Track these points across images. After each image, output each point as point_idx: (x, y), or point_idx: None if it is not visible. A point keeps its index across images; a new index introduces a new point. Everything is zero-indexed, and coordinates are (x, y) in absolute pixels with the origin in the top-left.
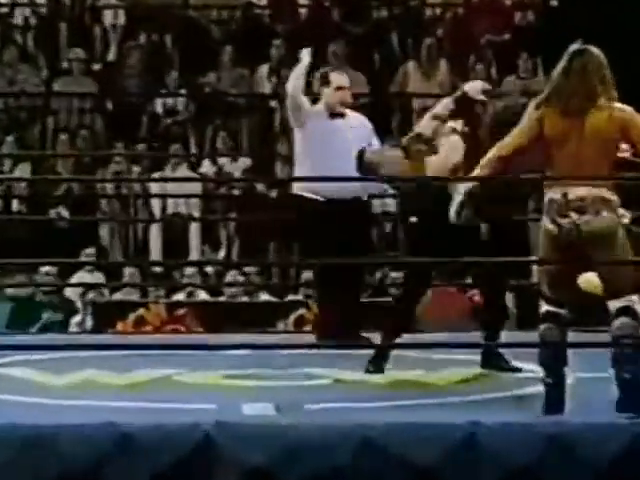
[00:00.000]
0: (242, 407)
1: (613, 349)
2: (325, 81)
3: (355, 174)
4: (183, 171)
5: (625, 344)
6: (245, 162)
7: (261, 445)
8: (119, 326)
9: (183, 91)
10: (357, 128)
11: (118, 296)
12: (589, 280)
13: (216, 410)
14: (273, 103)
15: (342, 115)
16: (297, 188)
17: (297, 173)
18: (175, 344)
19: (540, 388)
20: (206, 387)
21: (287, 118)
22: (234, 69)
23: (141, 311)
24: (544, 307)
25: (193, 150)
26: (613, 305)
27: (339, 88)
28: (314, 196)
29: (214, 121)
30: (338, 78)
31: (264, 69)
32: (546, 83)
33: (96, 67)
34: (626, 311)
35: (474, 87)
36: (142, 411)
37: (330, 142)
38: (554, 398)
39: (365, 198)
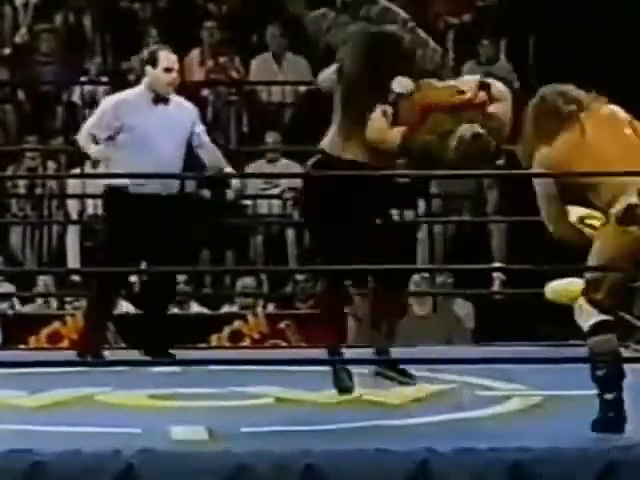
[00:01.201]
0: (170, 431)
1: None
2: (152, 59)
3: (174, 164)
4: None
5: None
6: None
7: (191, 475)
8: (32, 341)
9: (105, 78)
10: (179, 115)
11: (30, 309)
12: (556, 290)
13: (141, 434)
14: (205, 92)
15: (166, 100)
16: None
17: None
18: (94, 361)
19: (500, 408)
20: (130, 408)
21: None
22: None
23: (56, 325)
24: (597, 317)
25: None
26: None
27: (168, 70)
28: (123, 187)
29: None
30: (167, 58)
31: (195, 54)
32: (508, 69)
33: (6, 52)
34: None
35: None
36: (56, 436)
37: (148, 131)
38: (615, 416)
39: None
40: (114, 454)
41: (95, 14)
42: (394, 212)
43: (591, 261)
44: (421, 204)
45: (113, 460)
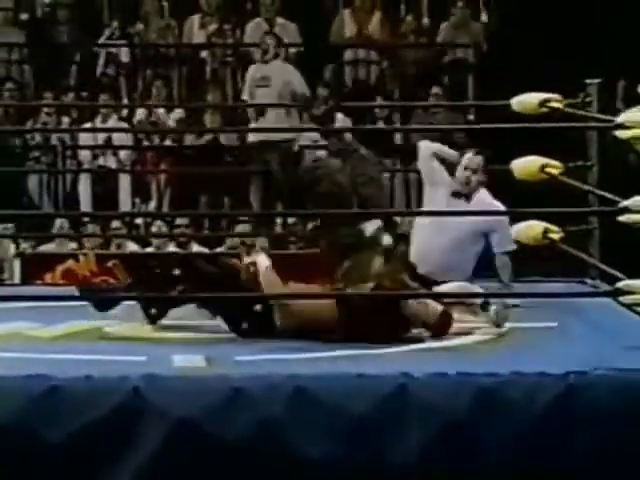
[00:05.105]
0: (172, 359)
1: None
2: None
3: None
4: (113, 122)
5: None
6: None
7: (192, 398)
8: (47, 278)
9: (120, 41)
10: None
11: (48, 248)
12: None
13: (146, 362)
14: (204, 54)
15: (467, 197)
16: None
17: None
18: (104, 296)
19: (468, 339)
20: (136, 339)
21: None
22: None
23: (69, 263)
24: None
25: (124, 101)
26: None
27: (466, 169)
28: None
29: (146, 72)
30: (470, 159)
31: (195, 19)
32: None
33: (24, 17)
34: None
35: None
36: (69, 364)
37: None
38: None
39: None
40: (121, 379)
41: None
42: None
43: None
44: None
45: (120, 384)
